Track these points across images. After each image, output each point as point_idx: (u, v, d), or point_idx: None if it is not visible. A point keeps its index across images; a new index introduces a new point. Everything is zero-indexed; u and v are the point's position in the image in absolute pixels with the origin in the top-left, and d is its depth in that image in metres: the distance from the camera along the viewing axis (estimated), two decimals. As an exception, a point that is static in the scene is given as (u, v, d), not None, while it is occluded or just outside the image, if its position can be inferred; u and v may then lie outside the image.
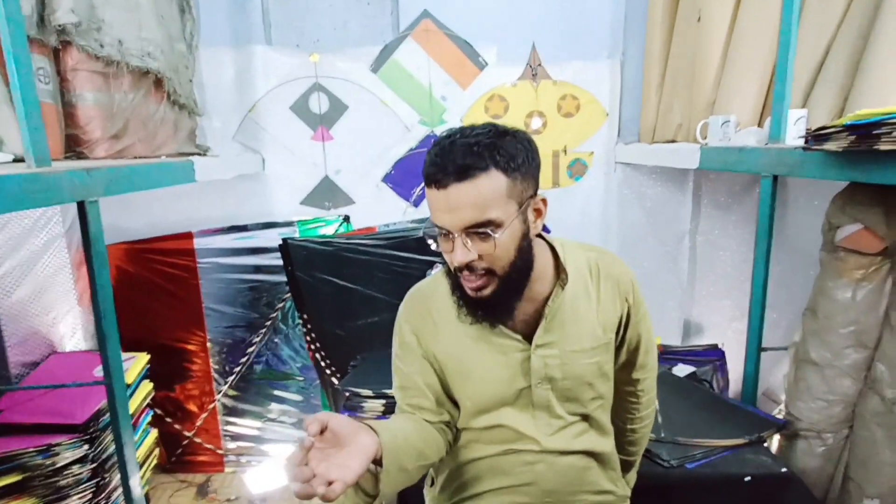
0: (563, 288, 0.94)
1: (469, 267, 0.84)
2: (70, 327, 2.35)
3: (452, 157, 0.79)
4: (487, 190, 0.79)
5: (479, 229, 0.81)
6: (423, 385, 0.99)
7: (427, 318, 1.00)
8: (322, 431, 0.75)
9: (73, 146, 1.69)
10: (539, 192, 0.89)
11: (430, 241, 2.48)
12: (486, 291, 0.87)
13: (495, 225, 0.81)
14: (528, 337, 0.95)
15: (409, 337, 1.01)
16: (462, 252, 0.82)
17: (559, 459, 1.00)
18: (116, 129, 1.75)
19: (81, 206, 1.29)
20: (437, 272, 1.06)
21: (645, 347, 1.06)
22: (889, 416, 1.47)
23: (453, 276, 0.91)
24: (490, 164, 0.79)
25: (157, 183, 1.64)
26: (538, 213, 0.89)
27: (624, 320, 1.01)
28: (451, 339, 0.97)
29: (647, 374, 1.10)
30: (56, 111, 1.61)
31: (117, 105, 1.74)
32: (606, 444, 1.07)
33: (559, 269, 0.95)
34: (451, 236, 0.83)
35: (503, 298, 0.88)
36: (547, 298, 0.95)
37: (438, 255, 2.50)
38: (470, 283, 0.86)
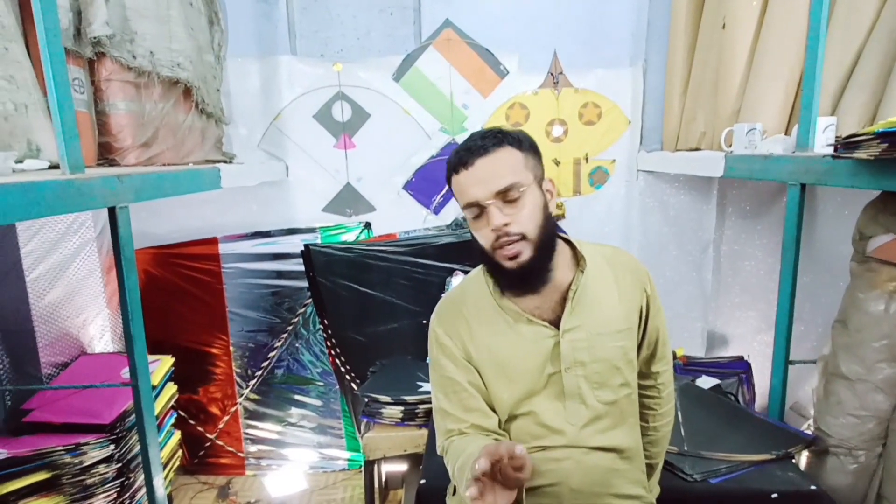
0: (584, 272, 1.02)
1: (506, 233, 0.93)
2: (99, 329, 2.41)
3: (472, 143, 0.96)
4: (506, 158, 0.95)
5: (508, 192, 0.93)
6: (468, 384, 1.02)
7: (459, 318, 1.04)
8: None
9: (105, 154, 1.75)
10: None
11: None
12: (524, 257, 0.95)
13: (519, 188, 0.94)
14: (556, 324, 1.01)
15: (444, 339, 1.04)
16: (497, 216, 0.93)
17: (586, 457, 1.02)
18: (147, 137, 1.80)
19: (112, 212, 1.33)
20: (462, 281, 1.11)
21: (663, 339, 1.12)
22: (925, 433, 1.42)
23: (489, 259, 0.98)
24: (504, 142, 0.95)
25: (186, 189, 1.68)
26: (550, 193, 1.01)
27: (644, 311, 1.07)
28: (484, 335, 1.02)
29: (666, 366, 1.15)
30: (90, 120, 1.67)
31: (148, 114, 1.80)
32: (633, 441, 1.08)
33: (577, 258, 1.04)
34: (484, 210, 0.94)
35: (537, 264, 0.97)
36: (569, 286, 1.02)
37: (458, 261, 2.50)
38: (507, 252, 0.94)
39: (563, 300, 1.01)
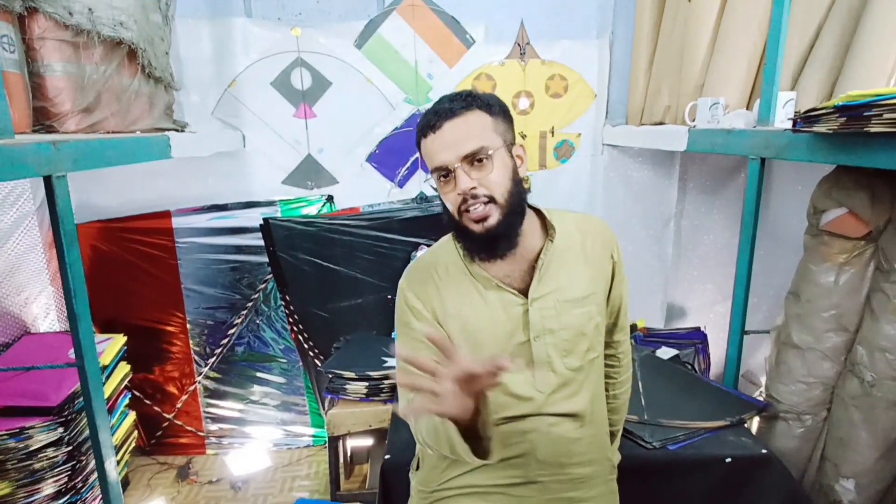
0: (553, 241, 1.02)
1: (473, 196, 0.93)
2: (43, 308, 2.28)
3: (441, 106, 0.94)
4: (474, 122, 0.94)
5: (475, 155, 0.92)
6: None
7: (429, 282, 1.03)
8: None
9: (42, 119, 1.61)
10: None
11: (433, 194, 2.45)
12: (492, 221, 0.94)
13: (487, 152, 0.93)
14: (525, 293, 1.01)
15: (414, 302, 1.03)
16: (465, 179, 0.92)
17: (552, 428, 1.02)
18: (87, 102, 1.67)
19: (48, 182, 1.23)
20: (434, 245, 1.10)
21: (624, 309, 1.14)
22: (867, 398, 1.49)
23: (457, 224, 0.97)
24: (473, 105, 0.94)
25: (131, 158, 1.58)
26: (520, 158, 1.00)
27: (611, 277, 1.08)
28: (453, 300, 1.01)
29: (625, 335, 1.18)
30: (22, 81, 1.53)
31: (88, 77, 1.66)
32: (598, 405, 1.10)
33: (546, 227, 1.04)
34: (451, 174, 0.93)
35: (506, 228, 0.95)
36: (538, 255, 1.02)
37: (423, 235, 2.47)
38: (475, 215, 0.93)
39: (532, 269, 1.01)
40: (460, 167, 0.92)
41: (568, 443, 1.04)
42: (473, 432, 0.84)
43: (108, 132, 1.73)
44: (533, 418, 1.02)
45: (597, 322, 1.05)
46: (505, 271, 1.01)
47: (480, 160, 0.93)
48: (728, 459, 1.44)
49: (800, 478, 1.69)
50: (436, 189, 0.99)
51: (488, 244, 0.96)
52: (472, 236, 0.96)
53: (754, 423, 1.81)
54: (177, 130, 2.11)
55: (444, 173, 0.94)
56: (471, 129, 0.93)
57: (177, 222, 2.46)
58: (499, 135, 0.95)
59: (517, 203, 0.97)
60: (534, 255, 1.02)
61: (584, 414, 1.05)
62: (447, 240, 1.08)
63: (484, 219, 0.93)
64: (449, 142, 0.92)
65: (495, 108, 0.97)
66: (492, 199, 0.93)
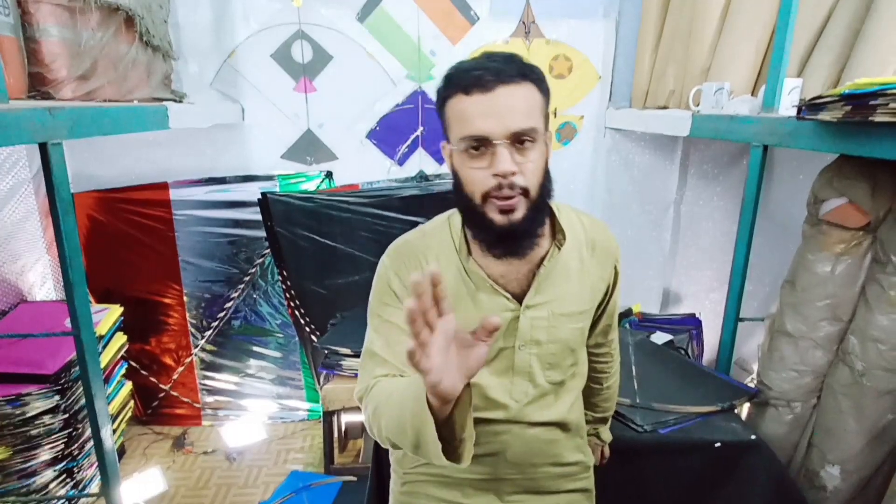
0: (560, 249, 0.92)
1: (510, 184, 0.79)
2: (40, 276, 2.28)
3: (496, 63, 0.78)
4: (531, 97, 0.80)
5: (525, 136, 0.79)
6: None
7: (416, 268, 0.93)
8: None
9: (38, 85, 1.59)
10: None
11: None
12: (518, 214, 0.81)
13: (534, 134, 0.79)
14: (519, 298, 0.92)
15: (396, 286, 0.93)
16: (507, 160, 0.78)
17: (526, 431, 0.98)
18: (84, 69, 1.64)
19: (44, 149, 1.21)
20: (426, 228, 1.00)
21: (618, 307, 1.12)
22: (856, 387, 1.50)
23: (475, 210, 0.83)
24: (528, 77, 0.79)
25: (127, 127, 1.56)
26: (548, 147, 0.88)
27: (611, 287, 1.02)
28: None
29: (616, 332, 1.16)
30: (17, 46, 1.50)
31: (85, 43, 1.63)
32: (576, 416, 1.05)
33: (555, 230, 0.93)
34: (489, 149, 0.79)
35: (529, 226, 0.84)
36: (542, 259, 0.92)
37: (422, 214, 2.46)
38: (504, 203, 0.80)
39: (531, 273, 0.92)
40: (504, 144, 0.78)
41: (542, 444, 1.00)
42: (447, 431, 0.73)
43: (105, 100, 1.71)
44: (507, 424, 0.97)
45: (585, 336, 1.01)
46: (501, 271, 0.91)
47: (524, 142, 0.79)
48: (717, 444, 1.46)
49: (787, 463, 1.71)
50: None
51: (508, 239, 0.84)
52: (492, 227, 0.83)
53: (744, 409, 1.83)
54: (175, 101, 2.09)
55: (477, 145, 0.79)
56: (525, 103, 0.78)
57: (174, 194, 2.45)
58: (543, 118, 0.82)
59: (544, 200, 0.85)
60: (536, 258, 0.91)
61: (563, 423, 1.01)
62: (441, 225, 0.96)
63: (511, 210, 0.80)
64: (499, 110, 0.77)
65: (545, 86, 0.82)
66: (525, 192, 0.80)
